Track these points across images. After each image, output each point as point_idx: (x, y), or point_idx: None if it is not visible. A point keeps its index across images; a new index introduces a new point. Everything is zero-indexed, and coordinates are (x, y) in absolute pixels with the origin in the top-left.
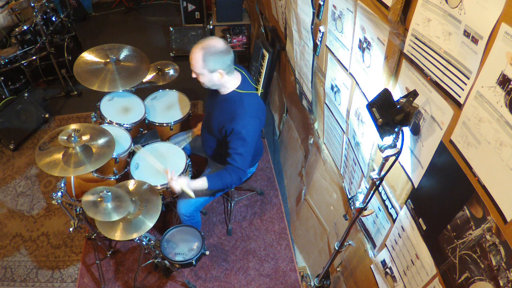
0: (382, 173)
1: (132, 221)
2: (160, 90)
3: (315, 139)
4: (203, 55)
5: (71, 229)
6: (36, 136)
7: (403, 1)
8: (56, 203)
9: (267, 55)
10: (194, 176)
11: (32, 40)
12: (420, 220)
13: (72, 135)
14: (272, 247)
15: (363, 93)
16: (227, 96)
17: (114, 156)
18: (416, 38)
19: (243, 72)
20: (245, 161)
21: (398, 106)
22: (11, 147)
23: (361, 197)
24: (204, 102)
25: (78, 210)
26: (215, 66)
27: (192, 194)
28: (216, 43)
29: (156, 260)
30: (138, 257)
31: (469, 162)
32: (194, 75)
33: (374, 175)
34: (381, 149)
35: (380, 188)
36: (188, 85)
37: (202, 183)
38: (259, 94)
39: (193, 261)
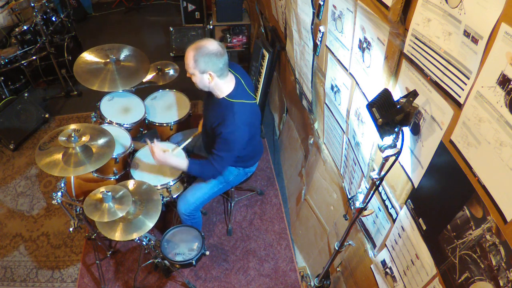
0: (382, 173)
1: (132, 221)
2: (160, 90)
3: (315, 139)
4: (194, 55)
5: (71, 229)
6: (36, 136)
7: (403, 1)
8: (56, 203)
9: (267, 55)
10: (194, 177)
11: (32, 40)
12: (420, 220)
13: (72, 135)
14: (272, 247)
15: (363, 93)
16: (220, 100)
17: (114, 156)
18: (416, 38)
19: (240, 78)
20: (223, 163)
21: (398, 106)
22: (11, 147)
23: (361, 197)
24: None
25: (78, 210)
26: (205, 67)
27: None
28: (209, 44)
29: (156, 260)
30: (138, 257)
31: (469, 162)
32: (188, 74)
33: (374, 175)
34: (381, 149)
35: (380, 188)
36: (188, 85)
37: (182, 163)
38: (257, 102)
39: (193, 261)
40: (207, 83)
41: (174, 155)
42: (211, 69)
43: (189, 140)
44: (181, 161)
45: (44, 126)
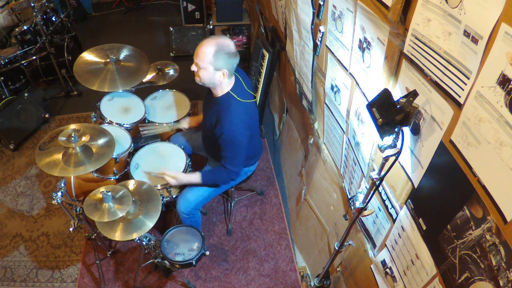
0: (382, 173)
1: (132, 221)
2: (160, 90)
3: (315, 139)
4: (215, 51)
5: (71, 229)
6: (36, 136)
7: (403, 1)
8: (56, 203)
9: (267, 55)
10: None
11: (32, 40)
12: (420, 220)
13: (72, 135)
14: (272, 247)
15: (363, 93)
16: (219, 99)
17: (114, 156)
18: (416, 38)
19: (240, 78)
20: (235, 162)
21: (398, 106)
22: (11, 147)
23: (361, 197)
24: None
25: (78, 210)
26: (222, 65)
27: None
28: (230, 43)
29: (156, 260)
30: (138, 257)
31: (469, 162)
32: (194, 68)
33: (374, 175)
34: (381, 149)
35: (380, 188)
36: (188, 85)
37: (196, 178)
38: (257, 101)
39: (193, 262)
40: (216, 80)
41: (182, 174)
42: (226, 68)
43: (158, 129)
44: (194, 176)
45: (44, 126)
